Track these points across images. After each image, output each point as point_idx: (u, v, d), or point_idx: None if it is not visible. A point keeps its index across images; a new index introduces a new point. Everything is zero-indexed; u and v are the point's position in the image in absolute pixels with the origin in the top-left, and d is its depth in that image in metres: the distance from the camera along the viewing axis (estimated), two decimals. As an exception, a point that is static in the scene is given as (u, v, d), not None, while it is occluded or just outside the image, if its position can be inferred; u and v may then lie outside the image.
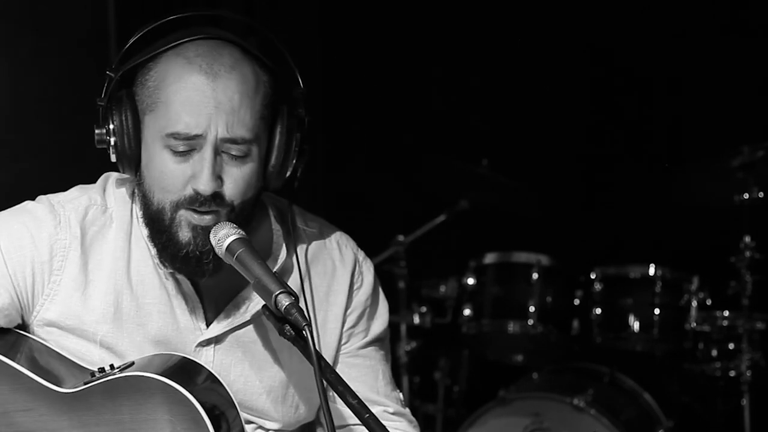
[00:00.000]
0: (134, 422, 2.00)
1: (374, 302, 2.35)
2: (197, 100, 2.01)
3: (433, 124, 5.30)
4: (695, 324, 4.32)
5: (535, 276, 4.44)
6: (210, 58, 2.04)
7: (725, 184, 4.16)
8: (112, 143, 2.09)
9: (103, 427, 2.01)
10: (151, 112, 2.06)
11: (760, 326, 4.19)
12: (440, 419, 4.75)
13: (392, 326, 2.44)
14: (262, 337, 2.21)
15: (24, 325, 2.17)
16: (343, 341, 2.31)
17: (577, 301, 4.51)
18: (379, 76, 5.29)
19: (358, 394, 1.94)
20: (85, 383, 2.03)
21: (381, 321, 2.36)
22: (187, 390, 1.97)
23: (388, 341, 2.41)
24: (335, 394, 1.97)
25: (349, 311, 2.31)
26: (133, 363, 2.10)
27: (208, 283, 2.17)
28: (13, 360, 2.05)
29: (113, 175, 2.25)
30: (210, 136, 2.01)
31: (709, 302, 4.34)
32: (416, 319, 4.68)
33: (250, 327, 2.21)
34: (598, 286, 4.44)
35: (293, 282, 2.22)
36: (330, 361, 2.27)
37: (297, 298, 1.93)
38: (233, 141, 2.03)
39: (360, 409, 1.91)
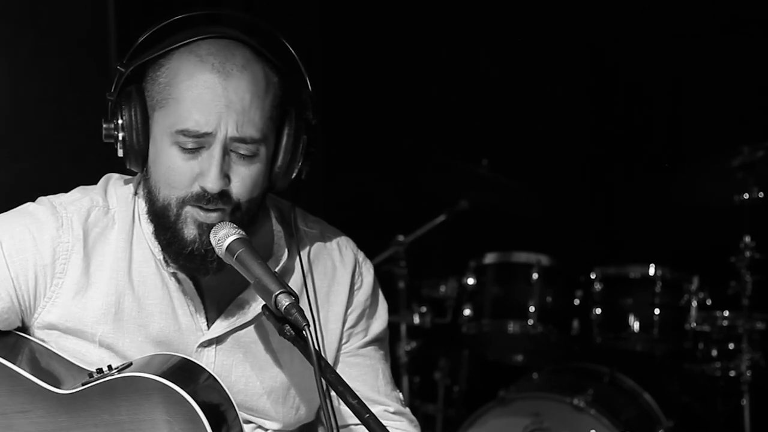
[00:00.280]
0: (132, 422, 2.00)
1: (374, 302, 2.36)
2: (208, 98, 2.02)
3: (433, 124, 5.30)
4: (695, 324, 4.32)
5: (535, 276, 4.44)
6: (222, 57, 2.05)
7: (725, 184, 4.16)
8: (120, 138, 2.09)
9: (102, 427, 2.01)
10: (161, 108, 2.06)
11: (760, 326, 4.19)
12: (440, 419, 4.75)
13: (392, 326, 2.44)
14: (263, 338, 2.21)
15: (24, 328, 2.17)
16: (343, 341, 2.31)
17: (577, 301, 4.51)
18: (380, 76, 5.29)
19: (358, 393, 1.94)
20: (83, 384, 2.03)
21: (380, 321, 2.37)
22: (184, 390, 1.97)
23: (388, 341, 2.41)
24: (335, 395, 1.97)
25: (349, 311, 2.31)
26: (131, 363, 2.09)
27: (209, 284, 2.18)
28: (12, 362, 2.05)
29: (114, 176, 2.25)
30: (219, 134, 2.02)
31: (709, 302, 4.34)
32: (416, 319, 4.67)
33: (251, 328, 2.21)
34: (598, 286, 4.43)
35: (294, 283, 2.22)
36: (331, 361, 2.27)
37: (297, 298, 1.94)
38: (242, 140, 2.03)
39: (360, 409, 1.91)
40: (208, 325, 2.19)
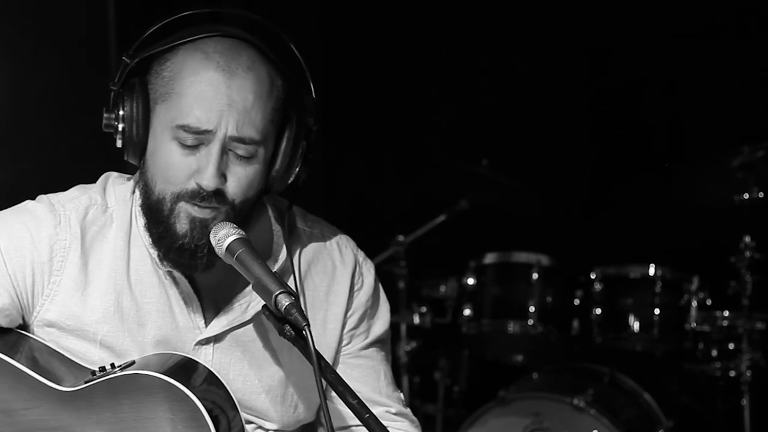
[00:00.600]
0: (135, 420, 2.00)
1: (375, 303, 2.35)
2: (211, 95, 2.02)
3: (433, 124, 5.30)
4: (695, 324, 4.32)
5: (535, 276, 4.44)
6: (228, 56, 2.05)
7: (725, 184, 4.16)
8: (120, 129, 2.09)
9: (104, 425, 2.01)
10: (164, 102, 2.06)
11: (760, 326, 4.19)
12: (440, 419, 4.75)
13: (392, 326, 2.44)
14: (262, 336, 2.21)
15: (25, 326, 2.17)
16: (345, 342, 2.31)
17: (577, 301, 4.51)
18: (380, 76, 5.29)
19: (360, 394, 1.94)
20: (86, 382, 2.03)
21: (382, 322, 2.36)
22: (187, 388, 1.97)
23: (389, 342, 2.41)
24: (334, 395, 1.97)
25: (350, 313, 2.31)
26: (134, 362, 2.10)
27: (206, 283, 2.18)
28: (14, 359, 2.05)
29: (113, 175, 2.25)
30: (219, 132, 2.02)
31: (709, 302, 4.34)
32: (416, 319, 4.68)
33: (250, 326, 2.21)
34: (598, 286, 4.44)
35: (293, 282, 2.22)
36: (330, 361, 2.27)
37: (297, 298, 1.94)
38: (241, 140, 2.04)
39: (360, 409, 1.91)
40: (205, 323, 2.19)
